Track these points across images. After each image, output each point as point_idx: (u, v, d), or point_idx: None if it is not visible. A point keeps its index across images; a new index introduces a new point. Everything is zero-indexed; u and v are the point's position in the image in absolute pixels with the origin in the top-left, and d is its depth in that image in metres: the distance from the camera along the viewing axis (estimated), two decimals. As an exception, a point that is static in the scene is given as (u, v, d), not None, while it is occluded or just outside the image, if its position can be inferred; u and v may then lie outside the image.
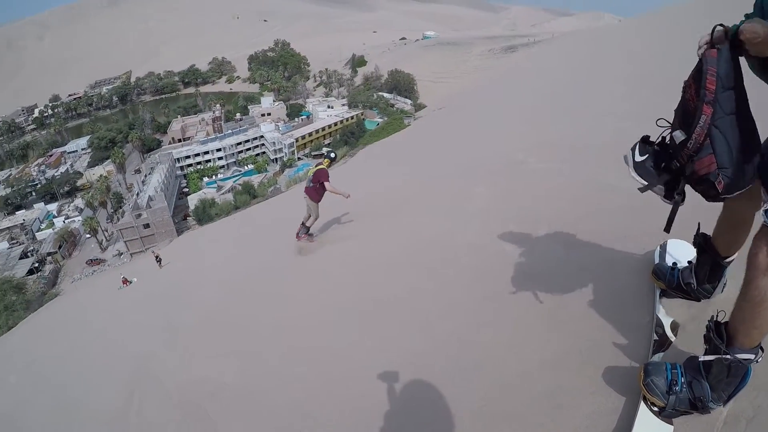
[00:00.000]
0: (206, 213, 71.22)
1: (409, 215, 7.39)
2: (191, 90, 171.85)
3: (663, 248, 3.15)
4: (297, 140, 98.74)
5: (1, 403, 8.62)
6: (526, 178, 6.35)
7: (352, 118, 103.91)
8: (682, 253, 3.02)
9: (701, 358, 2.14)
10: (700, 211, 2.46)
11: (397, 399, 3.27)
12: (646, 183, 2.18)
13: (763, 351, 2.00)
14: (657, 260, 3.09)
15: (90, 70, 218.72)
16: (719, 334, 2.06)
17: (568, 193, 5.20)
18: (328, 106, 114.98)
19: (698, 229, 2.61)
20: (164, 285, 14.67)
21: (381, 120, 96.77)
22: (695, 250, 2.65)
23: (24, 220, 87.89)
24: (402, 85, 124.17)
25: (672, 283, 2.78)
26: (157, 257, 22.61)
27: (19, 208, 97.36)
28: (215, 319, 7.01)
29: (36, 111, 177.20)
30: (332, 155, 8.86)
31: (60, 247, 75.45)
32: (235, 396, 4.48)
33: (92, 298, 23.67)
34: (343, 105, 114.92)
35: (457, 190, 7.22)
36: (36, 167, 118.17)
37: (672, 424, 2.20)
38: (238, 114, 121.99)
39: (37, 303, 46.82)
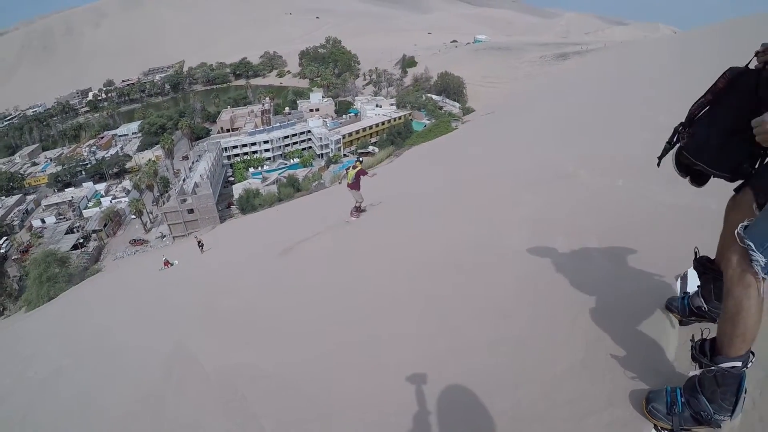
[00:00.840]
0: (250, 203, 70.82)
1: (455, 217, 7.55)
2: (242, 82, 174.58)
3: (684, 278, 3.20)
4: (344, 137, 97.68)
5: (40, 371, 8.52)
6: (576, 189, 6.28)
7: (399, 118, 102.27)
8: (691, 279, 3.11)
9: (691, 374, 2.32)
10: (696, 240, 2.89)
11: (431, 396, 3.29)
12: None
13: (753, 355, 2.13)
14: (679, 291, 3.17)
15: (144, 58, 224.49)
16: (702, 350, 2.26)
17: (618, 207, 5.20)
18: (377, 105, 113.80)
19: (696, 254, 2.78)
20: (205, 270, 15.13)
21: (428, 122, 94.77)
22: (697, 274, 2.80)
23: (72, 197, 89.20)
24: (451, 87, 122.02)
25: (684, 311, 2.91)
26: (199, 242, 23.58)
27: (68, 185, 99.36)
28: (256, 306, 7.07)
29: (90, 94, 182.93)
30: (361, 159, 13.67)
31: (105, 225, 76.20)
32: (274, 383, 4.43)
33: (133, 276, 24.53)
34: (392, 105, 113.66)
35: (504, 196, 7.23)
36: (87, 148, 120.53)
37: None
38: (286, 108, 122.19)
39: (79, 277, 47.19)
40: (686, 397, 2.29)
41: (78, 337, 10.67)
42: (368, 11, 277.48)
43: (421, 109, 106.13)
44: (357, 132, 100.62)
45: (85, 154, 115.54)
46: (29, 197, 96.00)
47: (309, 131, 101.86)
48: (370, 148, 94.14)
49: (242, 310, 7.10)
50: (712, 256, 2.62)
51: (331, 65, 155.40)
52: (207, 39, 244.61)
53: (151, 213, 79.71)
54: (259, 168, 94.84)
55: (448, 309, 4.36)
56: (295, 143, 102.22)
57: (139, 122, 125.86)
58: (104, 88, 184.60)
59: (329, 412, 3.68)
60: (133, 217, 78.03)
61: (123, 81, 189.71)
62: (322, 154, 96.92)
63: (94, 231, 75.30)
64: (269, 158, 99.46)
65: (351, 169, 11.71)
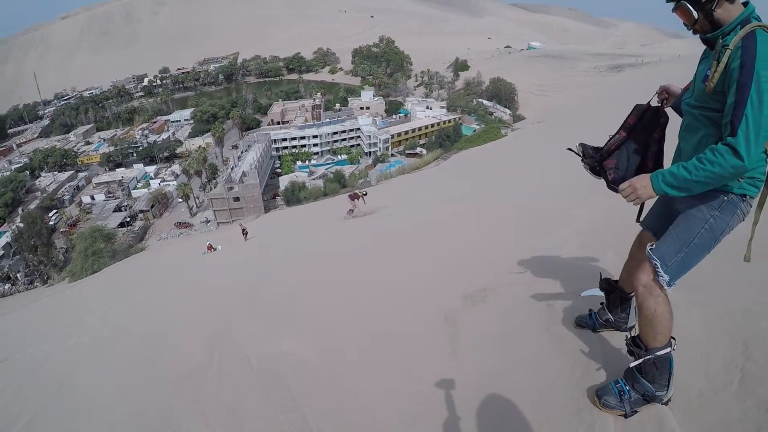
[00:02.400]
0: (295, 195, 69.87)
1: (504, 227, 7.80)
2: (294, 76, 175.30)
3: (587, 297, 3.97)
4: (392, 137, 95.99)
5: (80, 341, 8.21)
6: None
7: (449, 121, 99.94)
8: (597, 295, 3.78)
9: (632, 365, 2.78)
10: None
11: (469, 397, 3.44)
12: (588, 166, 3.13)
13: (674, 340, 2.72)
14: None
15: (199, 48, 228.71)
16: (637, 345, 2.78)
17: None
18: (427, 107, 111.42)
19: (600, 277, 3.55)
20: (249, 257, 15.23)
21: (478, 126, 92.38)
22: (603, 293, 3.48)
23: (122, 177, 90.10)
24: (503, 93, 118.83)
25: (594, 325, 3.54)
26: (243, 230, 23.86)
27: (119, 165, 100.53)
28: (299, 296, 7.06)
29: (145, 80, 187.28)
30: (365, 192, 17.07)
31: (152, 206, 76.54)
32: (317, 374, 4.45)
33: (177, 257, 25.69)
34: (442, 107, 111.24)
35: (554, 209, 7.40)
36: (140, 131, 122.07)
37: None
38: (337, 104, 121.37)
39: (123, 254, 48.21)
40: (630, 384, 2.80)
41: (120, 310, 10.59)
42: (422, 12, 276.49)
43: (472, 114, 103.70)
44: (406, 132, 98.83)
45: (138, 136, 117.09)
46: (81, 174, 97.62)
47: (358, 129, 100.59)
48: (418, 150, 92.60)
49: (285, 299, 7.06)
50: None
51: (384, 65, 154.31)
52: (262, 32, 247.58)
53: (198, 198, 79.71)
54: (307, 162, 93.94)
55: (492, 311, 4.54)
56: (344, 140, 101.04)
57: (191, 109, 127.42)
58: (159, 75, 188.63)
59: (369, 405, 3.75)
60: (180, 200, 78.23)
61: (178, 69, 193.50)
62: (369, 153, 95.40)
63: (141, 211, 75.88)
64: (317, 153, 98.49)
65: (358, 198, 16.80)
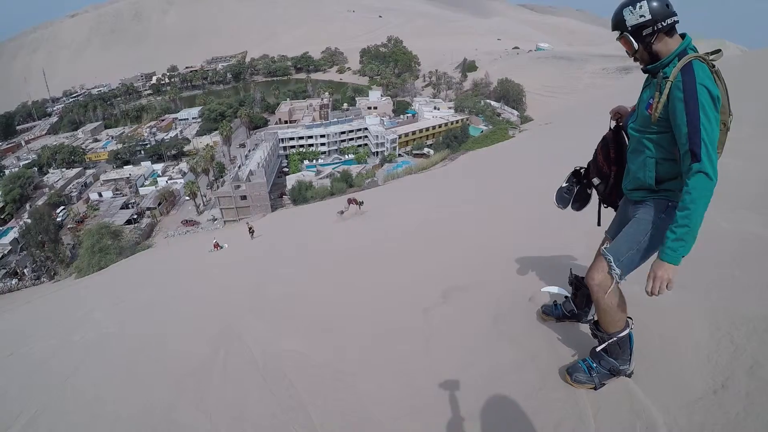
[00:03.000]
0: (302, 194, 69.33)
1: (510, 227, 7.72)
2: (302, 76, 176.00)
3: (551, 292, 4.37)
4: (400, 137, 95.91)
5: (86, 337, 8.35)
6: None
7: (457, 122, 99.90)
8: (556, 293, 4.32)
9: (598, 348, 3.14)
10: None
11: (482, 402, 3.46)
12: (560, 204, 3.68)
13: (631, 319, 3.10)
14: (549, 299, 4.24)
15: (208, 47, 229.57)
16: (599, 330, 3.14)
17: None
18: (435, 107, 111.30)
19: (570, 272, 3.85)
20: (255, 255, 15.16)
21: (485, 128, 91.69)
22: (571, 287, 3.83)
23: (130, 174, 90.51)
24: (510, 95, 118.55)
25: (559, 315, 3.89)
26: (250, 228, 23.70)
27: (127, 163, 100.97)
28: (305, 294, 7.04)
29: (154, 78, 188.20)
30: (362, 202, 17.42)
31: (159, 204, 77.04)
32: (323, 374, 4.44)
33: (183, 255, 25.61)
34: (450, 108, 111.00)
35: (561, 209, 6.01)
36: (148, 129, 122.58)
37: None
38: (345, 104, 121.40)
39: (130, 251, 48.26)
40: (597, 361, 3.15)
41: (126, 307, 10.71)
42: (430, 13, 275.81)
43: (479, 115, 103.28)
44: (413, 133, 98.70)
45: (146, 134, 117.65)
46: (89, 171, 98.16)
47: (366, 129, 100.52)
48: (426, 150, 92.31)
49: (291, 297, 7.04)
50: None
51: (392, 64, 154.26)
52: (270, 32, 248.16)
53: (205, 196, 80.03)
54: (314, 161, 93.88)
55: (503, 311, 4.51)
56: (351, 139, 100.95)
57: (199, 108, 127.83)
58: (168, 73, 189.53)
59: (372, 403, 3.80)
60: (187, 198, 78.36)
61: (186, 67, 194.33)
62: (377, 152, 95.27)
63: (148, 208, 76.34)
64: (324, 152, 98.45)
65: (355, 203, 17.38)
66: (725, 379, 2.95)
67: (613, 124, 3.36)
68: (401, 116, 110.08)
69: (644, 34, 2.64)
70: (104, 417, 5.06)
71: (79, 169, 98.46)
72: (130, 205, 77.81)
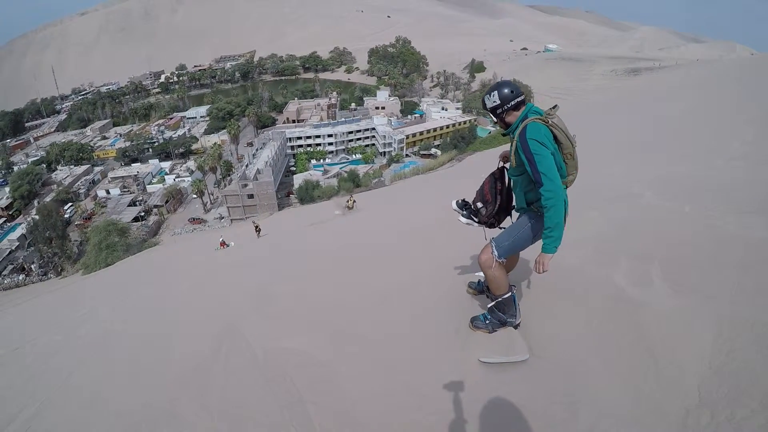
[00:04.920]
0: (309, 193, 69.26)
1: None
2: (310, 75, 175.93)
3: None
4: (407, 137, 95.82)
5: (90, 332, 8.50)
6: (642, 212, 6.33)
7: (465, 122, 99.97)
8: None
9: (489, 305, 4.19)
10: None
11: (483, 404, 3.48)
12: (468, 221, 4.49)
13: (514, 286, 4.12)
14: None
15: (216, 46, 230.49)
16: (490, 292, 4.22)
17: (684, 236, 5.28)
18: (443, 108, 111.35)
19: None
20: (261, 254, 15.21)
21: (493, 129, 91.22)
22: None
23: (138, 172, 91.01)
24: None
25: (480, 289, 4.90)
26: (256, 227, 23.65)
27: (135, 161, 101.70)
28: (308, 293, 7.01)
29: (162, 76, 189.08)
30: (354, 200, 19.68)
31: (167, 201, 77.26)
32: (323, 372, 4.48)
33: (189, 252, 25.62)
34: (458, 108, 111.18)
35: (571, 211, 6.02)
36: (156, 127, 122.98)
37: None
38: (353, 104, 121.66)
39: (137, 248, 48.03)
40: (491, 315, 4.15)
41: (131, 304, 10.79)
42: (439, 13, 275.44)
43: (487, 116, 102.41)
44: (421, 133, 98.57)
45: (154, 132, 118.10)
46: (97, 168, 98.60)
47: (373, 128, 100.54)
48: (433, 151, 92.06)
49: (295, 297, 7.00)
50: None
51: (400, 65, 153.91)
52: (278, 31, 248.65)
53: (212, 194, 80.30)
54: (321, 160, 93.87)
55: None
56: (359, 139, 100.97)
57: (207, 106, 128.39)
58: (176, 72, 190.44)
59: (371, 401, 3.86)
60: (194, 196, 78.69)
61: (195, 66, 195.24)
62: (384, 152, 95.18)
63: (155, 206, 76.65)
64: (332, 152, 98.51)
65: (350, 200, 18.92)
66: (727, 386, 2.93)
67: (501, 164, 4.24)
68: (409, 116, 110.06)
69: (498, 112, 3.75)
70: (106, 411, 5.10)
71: (87, 166, 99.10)
72: (137, 203, 78.21)
